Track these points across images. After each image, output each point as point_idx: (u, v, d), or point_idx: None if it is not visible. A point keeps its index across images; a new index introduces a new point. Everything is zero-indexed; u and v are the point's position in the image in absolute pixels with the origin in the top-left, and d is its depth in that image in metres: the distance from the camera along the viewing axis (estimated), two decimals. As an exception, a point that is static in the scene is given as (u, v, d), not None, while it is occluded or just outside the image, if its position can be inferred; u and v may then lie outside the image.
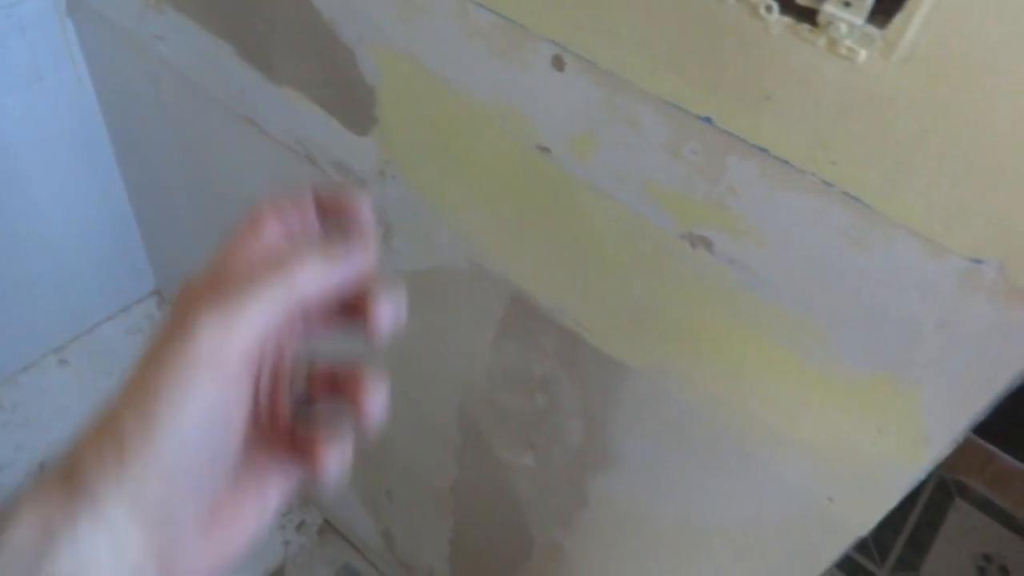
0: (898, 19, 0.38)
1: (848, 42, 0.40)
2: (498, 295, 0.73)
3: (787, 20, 0.42)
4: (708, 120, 0.48)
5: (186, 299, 0.32)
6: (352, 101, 0.73)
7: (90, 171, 1.21)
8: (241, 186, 1.00)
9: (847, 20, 0.40)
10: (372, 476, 1.19)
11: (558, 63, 0.54)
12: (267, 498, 0.35)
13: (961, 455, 1.74)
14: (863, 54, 0.40)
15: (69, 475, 0.29)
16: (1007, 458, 1.67)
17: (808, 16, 0.41)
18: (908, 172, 0.42)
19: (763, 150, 0.47)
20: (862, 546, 1.65)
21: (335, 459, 0.34)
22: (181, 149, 1.06)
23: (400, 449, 1.08)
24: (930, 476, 1.60)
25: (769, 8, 0.42)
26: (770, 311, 0.53)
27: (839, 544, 0.60)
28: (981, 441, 1.69)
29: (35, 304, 1.25)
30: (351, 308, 0.37)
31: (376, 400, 0.36)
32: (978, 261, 0.42)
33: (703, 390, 0.61)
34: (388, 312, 0.36)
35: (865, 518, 0.57)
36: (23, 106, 1.08)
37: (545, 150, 0.59)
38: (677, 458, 0.68)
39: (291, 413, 0.37)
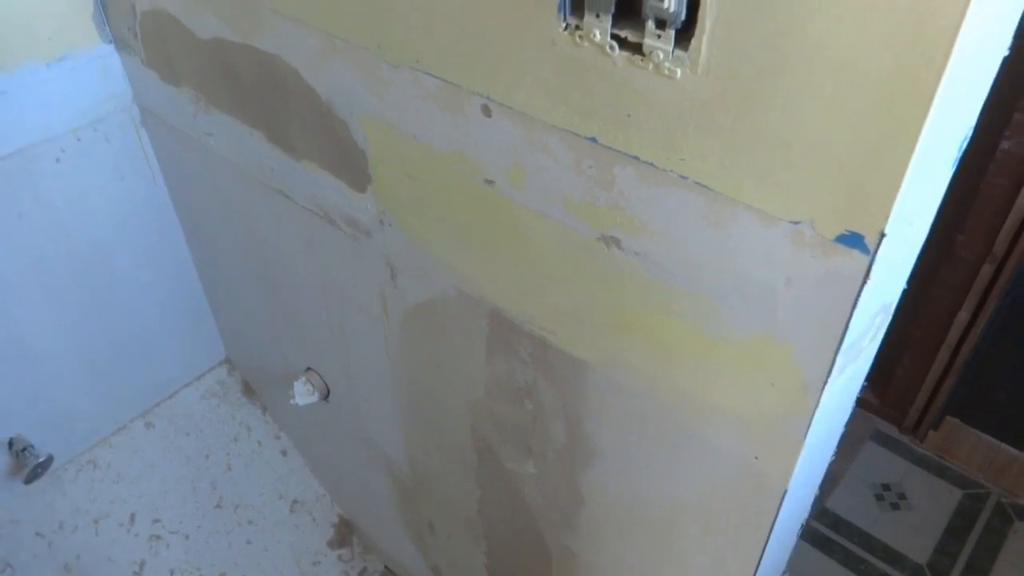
0: (693, 43, 0.50)
1: (667, 64, 0.52)
2: (480, 315, 0.85)
3: (626, 54, 0.54)
4: (594, 140, 0.61)
5: None
6: (351, 164, 0.89)
7: (165, 254, 1.41)
8: (283, 254, 1.16)
9: (662, 48, 0.52)
10: (416, 511, 1.30)
11: (486, 110, 0.68)
12: None
13: (1019, 477, 1.71)
14: (678, 72, 0.52)
15: None
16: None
17: (638, 49, 0.54)
18: (732, 157, 0.53)
19: (635, 157, 0.59)
20: (917, 573, 1.63)
21: None
22: (234, 226, 1.24)
23: (433, 479, 1.19)
24: (986, 500, 1.61)
25: (612, 47, 0.55)
26: (672, 293, 0.63)
27: (773, 501, 0.68)
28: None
29: (124, 375, 1.45)
30: None
31: None
32: (796, 223, 0.52)
33: (642, 375, 0.71)
34: None
35: (783, 470, 0.65)
36: (110, 202, 1.29)
37: (490, 182, 0.72)
38: (641, 443, 0.77)
39: None
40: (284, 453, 1.56)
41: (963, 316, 1.69)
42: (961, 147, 0.52)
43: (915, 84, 0.43)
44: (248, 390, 1.58)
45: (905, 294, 0.63)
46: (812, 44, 0.46)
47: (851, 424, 0.74)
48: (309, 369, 1.29)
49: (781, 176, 0.51)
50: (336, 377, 1.25)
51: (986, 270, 1.63)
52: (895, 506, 1.77)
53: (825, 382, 0.57)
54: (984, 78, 0.49)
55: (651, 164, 0.58)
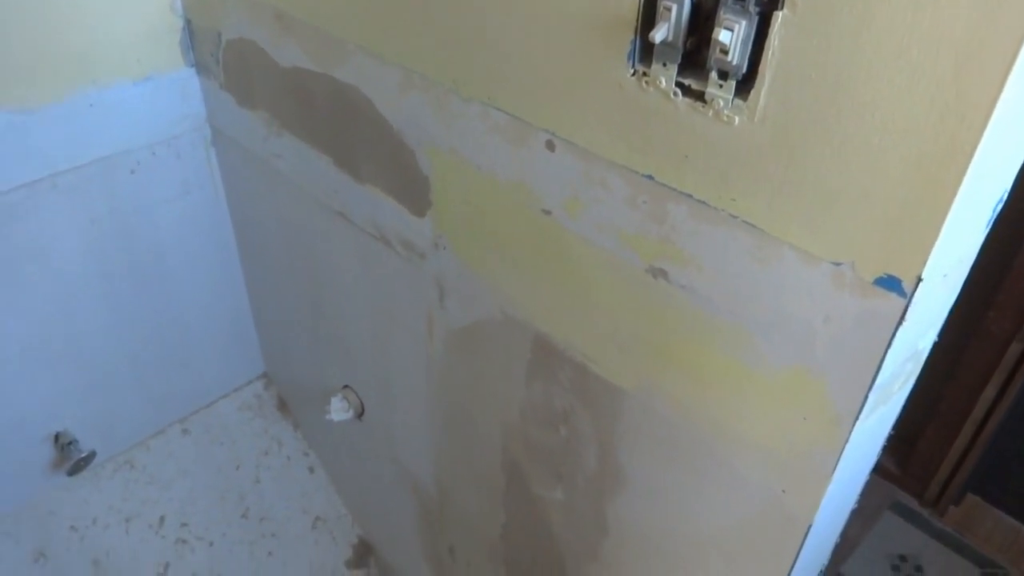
0: (752, 94, 0.55)
1: (726, 112, 0.57)
2: (524, 339, 0.89)
3: (688, 100, 0.60)
4: (651, 177, 0.66)
5: None
6: (414, 190, 0.94)
7: (218, 268, 1.48)
8: (334, 273, 1.22)
9: (723, 97, 0.57)
10: (437, 535, 1.33)
11: (550, 145, 0.73)
12: None
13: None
14: (736, 119, 0.57)
15: None
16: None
17: (700, 96, 0.59)
18: (781, 200, 0.58)
19: (689, 195, 0.64)
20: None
21: None
22: (288, 243, 1.31)
23: (458, 503, 1.22)
24: None
25: (676, 94, 0.60)
26: (714, 324, 0.67)
27: (797, 535, 0.70)
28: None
29: (168, 381, 1.50)
30: None
31: None
32: (838, 264, 0.56)
33: (678, 404, 0.75)
34: None
35: (809, 504, 0.67)
36: (174, 214, 1.36)
37: (547, 212, 0.78)
38: (670, 472, 0.80)
39: None
40: (311, 470, 1.59)
41: (990, 393, 1.70)
42: (996, 207, 0.57)
43: (954, 145, 0.48)
44: (282, 406, 1.63)
45: (932, 366, 0.67)
46: (862, 103, 0.51)
47: (871, 492, 0.77)
48: (346, 387, 1.34)
49: (825, 220, 0.56)
50: (372, 395, 1.29)
51: (1015, 348, 1.64)
52: (911, 578, 1.76)
53: (856, 418, 0.61)
54: (1020, 146, 0.53)
55: (704, 202, 0.63)
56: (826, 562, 0.86)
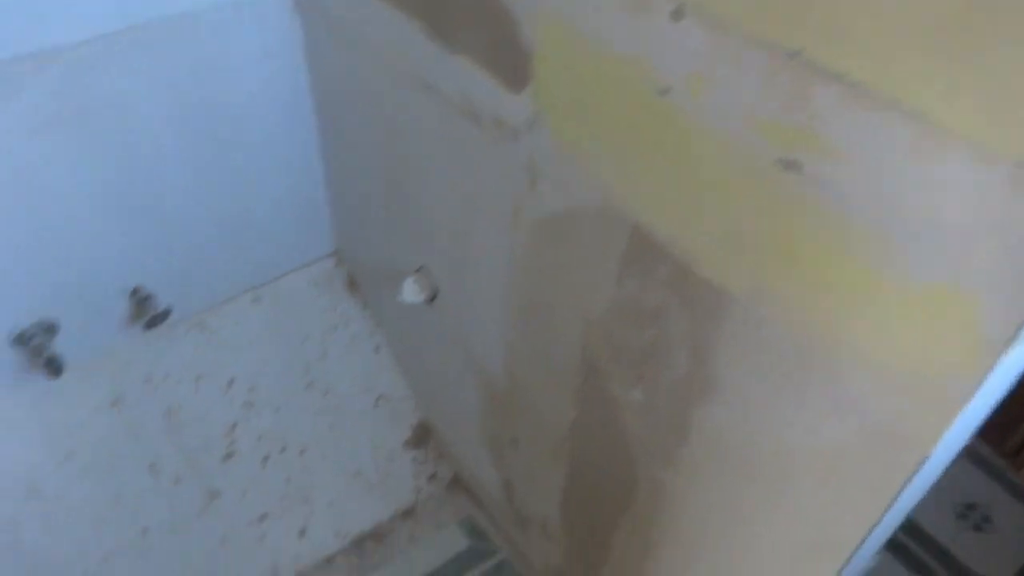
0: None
1: (912, -27, 0.48)
2: (622, 231, 0.83)
3: (864, -42, 0.51)
4: (796, 53, 0.57)
5: None
6: (512, 63, 0.87)
7: (295, 139, 1.44)
8: (417, 147, 1.16)
9: (911, -46, 0.48)
10: (502, 425, 1.31)
11: (678, 14, 0.65)
12: None
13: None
14: (924, -18, 0.48)
15: None
16: None
17: (881, -47, 0.50)
18: (961, 85, 0.49)
19: (840, 76, 0.55)
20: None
21: None
22: (370, 117, 1.25)
23: (527, 395, 1.20)
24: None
25: (849, -51, 0.51)
26: (851, 227, 0.60)
27: (909, 465, 0.65)
28: None
29: (242, 250, 1.49)
30: None
31: None
32: (1023, 165, 0.48)
33: (792, 313, 0.68)
34: None
35: (930, 435, 0.62)
36: (255, 81, 1.31)
37: (665, 92, 0.70)
38: (771, 384, 0.75)
39: None
40: (377, 349, 1.59)
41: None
42: None
43: None
44: (352, 284, 1.62)
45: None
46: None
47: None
48: (420, 269, 1.31)
49: (1016, 111, 0.47)
50: (447, 280, 1.26)
51: None
52: (978, 528, 1.70)
53: (1006, 348, 0.54)
54: None
55: (859, 85, 0.54)
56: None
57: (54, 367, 1.24)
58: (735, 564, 0.94)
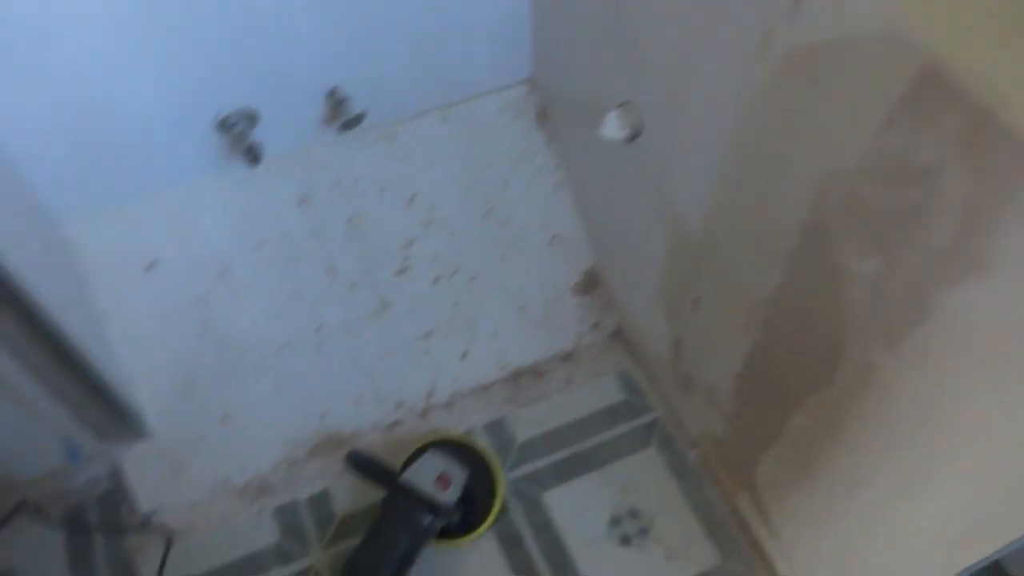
0: None
1: None
2: (905, 68, 0.70)
3: None
4: None
5: None
6: None
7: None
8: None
9: None
10: (686, 282, 1.24)
11: None
12: None
13: None
14: None
15: None
16: None
17: None
18: None
19: None
20: None
21: None
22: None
23: (724, 253, 1.11)
24: None
25: None
26: None
27: None
28: None
29: (437, 66, 1.44)
30: None
31: None
32: None
33: None
34: None
35: None
36: None
37: None
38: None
39: None
40: (558, 187, 1.53)
41: None
42: None
43: None
44: (542, 115, 1.54)
45: None
46: None
47: None
48: (625, 103, 1.21)
49: None
50: (656, 116, 1.15)
51: None
52: None
53: None
54: None
55: None
56: None
57: (253, 155, 1.26)
58: (934, 469, 0.85)
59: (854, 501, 1.04)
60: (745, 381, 1.18)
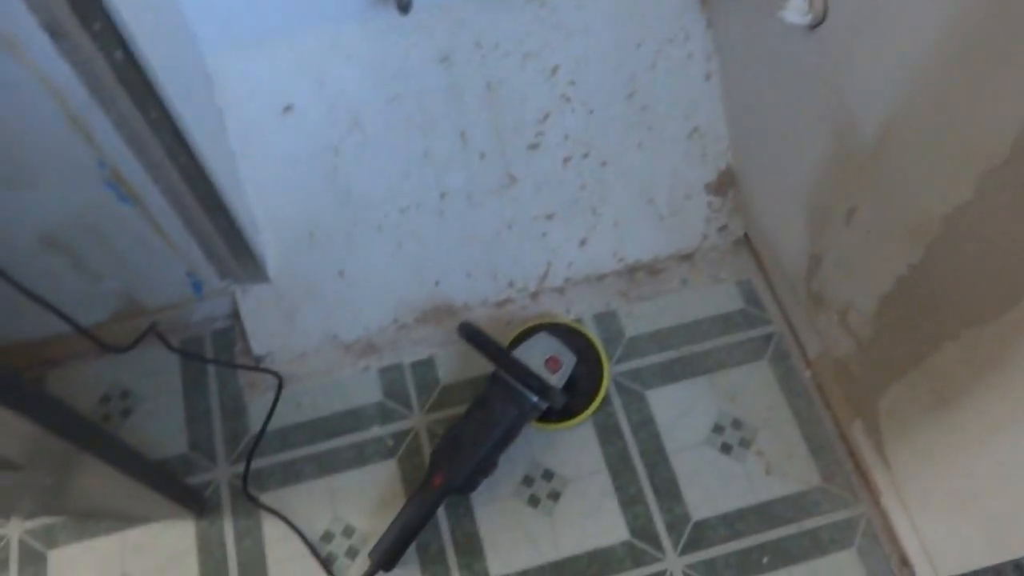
0: None
1: None
2: None
3: None
4: None
5: None
6: None
7: None
8: None
9: None
10: (844, 191, 1.15)
11: None
12: None
13: None
14: None
15: None
16: None
17: None
18: None
19: None
20: None
21: None
22: None
23: (899, 163, 1.01)
24: None
25: None
26: None
27: None
28: None
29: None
30: None
31: None
32: None
33: None
34: None
35: None
36: None
37: None
38: None
39: None
40: (708, 77, 1.43)
41: None
42: None
43: None
44: (702, -5, 1.43)
45: None
46: None
47: None
48: (810, -15, 1.09)
49: None
50: (849, 1, 1.04)
51: None
52: None
53: None
54: None
55: None
56: None
57: (403, 2, 1.20)
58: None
59: (991, 443, 0.99)
60: (891, 304, 1.11)
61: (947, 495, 1.11)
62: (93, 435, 0.94)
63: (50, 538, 1.28)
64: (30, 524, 1.29)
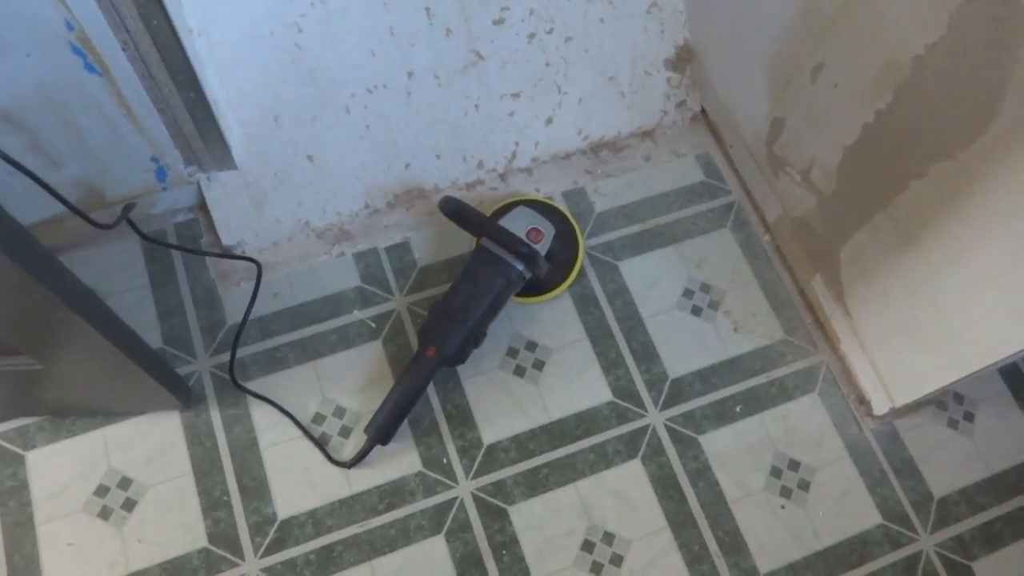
0: None
1: None
2: None
3: None
4: None
5: None
6: None
7: None
8: None
9: None
10: (810, 48, 1.20)
11: None
12: None
13: None
14: None
15: None
16: None
17: None
18: None
19: None
20: None
21: None
22: None
23: (868, 10, 1.06)
24: None
25: None
26: None
27: None
28: None
29: None
30: None
31: None
32: None
33: None
34: None
35: None
36: None
37: None
38: None
39: None
40: (666, -50, 1.45)
41: None
42: None
43: None
44: None
45: None
46: None
47: None
48: None
49: None
50: None
51: None
52: None
53: None
54: None
55: None
56: None
57: None
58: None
59: (950, 272, 1.07)
60: (855, 154, 1.18)
61: (902, 330, 1.21)
62: (90, 303, 0.90)
63: (26, 440, 1.23)
64: (3, 427, 1.24)
